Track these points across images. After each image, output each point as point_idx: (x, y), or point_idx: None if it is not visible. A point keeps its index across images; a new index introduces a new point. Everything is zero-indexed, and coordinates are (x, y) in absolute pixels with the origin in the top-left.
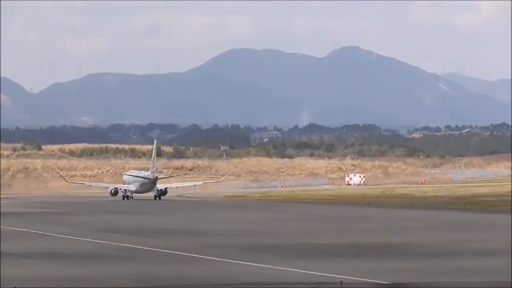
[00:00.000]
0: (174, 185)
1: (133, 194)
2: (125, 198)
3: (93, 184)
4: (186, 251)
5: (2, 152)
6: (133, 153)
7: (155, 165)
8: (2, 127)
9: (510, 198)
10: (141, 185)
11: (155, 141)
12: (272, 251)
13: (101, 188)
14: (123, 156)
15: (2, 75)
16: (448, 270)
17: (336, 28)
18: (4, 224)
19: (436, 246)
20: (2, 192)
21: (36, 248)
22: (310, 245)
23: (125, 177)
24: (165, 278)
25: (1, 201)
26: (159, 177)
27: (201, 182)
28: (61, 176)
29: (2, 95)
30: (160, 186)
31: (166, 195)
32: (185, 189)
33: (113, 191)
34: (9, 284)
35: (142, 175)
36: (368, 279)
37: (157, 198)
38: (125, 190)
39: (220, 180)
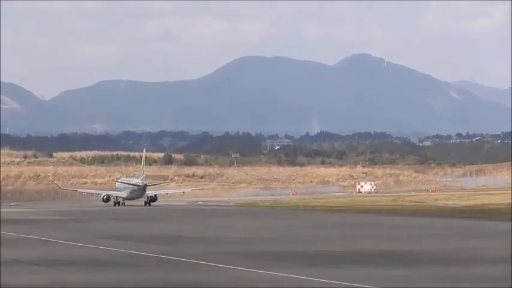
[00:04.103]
0: (164, 191)
1: (125, 201)
2: (116, 205)
3: (85, 191)
4: (196, 258)
5: (13, 159)
6: (144, 161)
7: (144, 173)
8: (13, 134)
9: None
10: (131, 192)
11: (144, 149)
12: (282, 258)
13: (94, 194)
14: (134, 164)
15: (12, 82)
16: (449, 278)
17: (347, 35)
18: (14, 230)
19: (443, 253)
20: (13, 200)
21: (46, 255)
22: (320, 252)
23: (116, 184)
24: (172, 284)
25: (12, 209)
26: (148, 184)
27: (189, 189)
28: (55, 183)
29: (13, 103)
30: (150, 192)
31: (156, 201)
32: (175, 196)
33: (104, 197)
34: None
35: (132, 182)
36: (373, 286)
37: (148, 205)
38: (116, 197)
39: (209, 187)
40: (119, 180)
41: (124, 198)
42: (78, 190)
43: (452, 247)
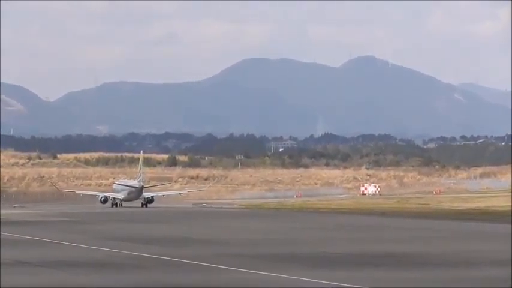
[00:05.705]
0: (160, 193)
1: (123, 202)
2: (114, 206)
3: (83, 192)
4: (197, 260)
5: (17, 160)
6: (149, 162)
7: (141, 175)
8: (17, 136)
9: None
10: (128, 194)
11: (141, 151)
12: (285, 260)
13: (91, 196)
14: (138, 165)
15: (17, 84)
16: (451, 279)
17: (352, 37)
18: (16, 232)
19: (446, 255)
20: (17, 201)
21: (47, 256)
22: (323, 254)
23: (114, 186)
24: (172, 285)
25: (16, 210)
26: (145, 186)
27: (186, 191)
28: (54, 185)
29: (17, 104)
30: (147, 194)
31: (153, 203)
32: (177, 197)
33: (102, 199)
34: None
35: (129, 184)
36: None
37: (144, 206)
38: (114, 198)
39: (205, 189)
40: (116, 182)
41: (121, 200)
42: (76, 192)
43: (454, 249)
